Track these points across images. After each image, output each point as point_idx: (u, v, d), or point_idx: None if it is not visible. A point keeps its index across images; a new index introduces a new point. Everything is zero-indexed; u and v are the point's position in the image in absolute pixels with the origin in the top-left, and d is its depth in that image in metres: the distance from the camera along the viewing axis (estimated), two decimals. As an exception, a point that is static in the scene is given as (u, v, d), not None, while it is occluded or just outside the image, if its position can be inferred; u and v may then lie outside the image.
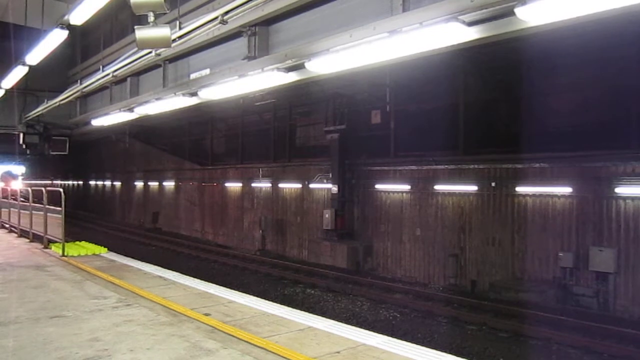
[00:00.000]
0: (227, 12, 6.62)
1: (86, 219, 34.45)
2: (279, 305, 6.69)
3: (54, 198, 11.91)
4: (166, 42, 6.65)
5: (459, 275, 13.59)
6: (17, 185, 12.26)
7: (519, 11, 4.91)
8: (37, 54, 10.89)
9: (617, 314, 10.73)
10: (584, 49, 10.64)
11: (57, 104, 14.91)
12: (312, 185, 18.34)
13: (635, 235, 10.69)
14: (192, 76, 10.81)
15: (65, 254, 10.73)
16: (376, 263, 16.03)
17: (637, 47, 10.11)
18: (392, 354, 4.71)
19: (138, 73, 13.19)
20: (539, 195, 12.21)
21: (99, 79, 11.69)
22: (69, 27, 8.94)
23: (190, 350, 4.78)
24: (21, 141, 18.88)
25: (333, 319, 6.29)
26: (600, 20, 5.03)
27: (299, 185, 19.01)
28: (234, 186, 22.87)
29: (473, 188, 13.47)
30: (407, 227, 15.15)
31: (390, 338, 5.29)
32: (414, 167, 14.96)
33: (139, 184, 32.27)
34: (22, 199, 14.31)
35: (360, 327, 6.58)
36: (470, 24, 5.55)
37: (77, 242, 12.65)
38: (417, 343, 5.70)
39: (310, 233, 18.38)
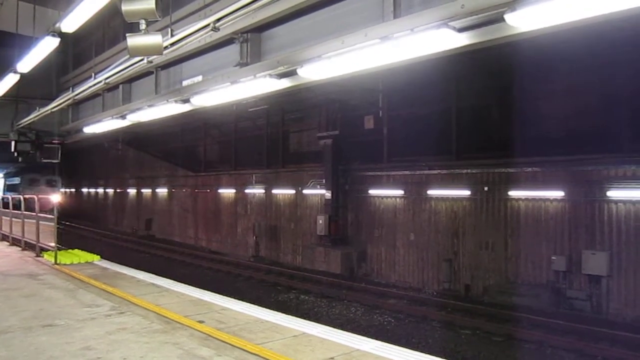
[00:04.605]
0: (219, 20, 6.61)
1: (79, 226, 34.21)
2: (273, 311, 6.68)
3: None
4: (158, 50, 6.65)
5: (453, 279, 13.62)
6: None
7: (509, 17, 4.94)
8: (28, 62, 10.83)
9: (610, 317, 10.79)
10: (576, 55, 10.73)
11: (49, 111, 14.83)
12: (305, 191, 18.33)
13: (627, 238, 10.76)
14: (185, 83, 10.79)
15: (58, 262, 10.67)
16: (370, 268, 16.02)
17: (627, 52, 10.21)
18: (387, 359, 4.71)
19: (130, 80, 13.15)
20: (531, 199, 12.27)
21: (91, 87, 11.64)
22: (60, 34, 8.91)
23: (184, 357, 4.76)
24: (13, 149, 18.72)
25: (327, 325, 6.28)
26: (591, 26, 5.07)
27: (293, 191, 19.00)
28: (227, 192, 22.82)
29: (466, 193, 13.52)
30: (401, 232, 15.17)
31: (384, 343, 5.28)
32: (407, 172, 14.99)
33: (132, 191, 32.15)
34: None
35: (355, 332, 6.56)
36: (461, 30, 5.58)
37: (70, 250, 12.56)
38: (411, 348, 5.71)
39: (304, 239, 18.36)
